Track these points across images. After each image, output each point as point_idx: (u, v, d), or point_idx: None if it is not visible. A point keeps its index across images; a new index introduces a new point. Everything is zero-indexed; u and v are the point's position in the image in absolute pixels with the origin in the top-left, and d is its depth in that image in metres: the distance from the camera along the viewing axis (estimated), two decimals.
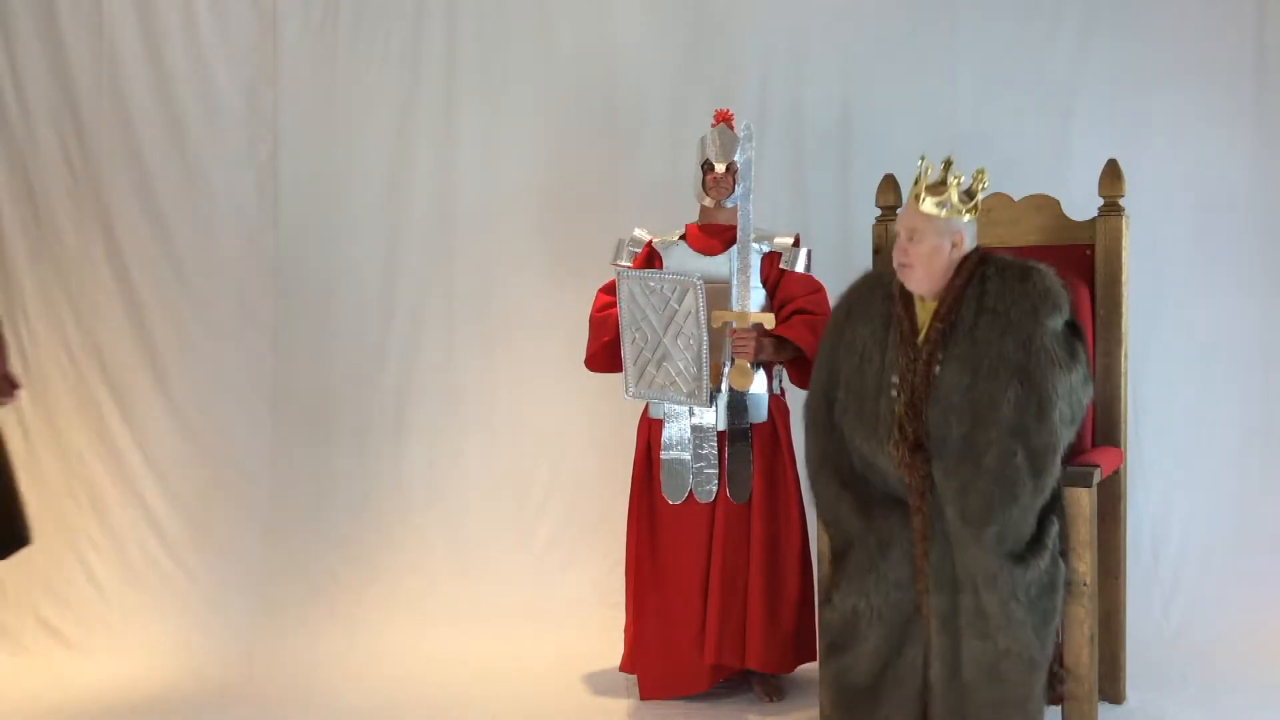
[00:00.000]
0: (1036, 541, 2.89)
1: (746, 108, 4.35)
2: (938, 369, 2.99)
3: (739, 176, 3.71)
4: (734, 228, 3.72)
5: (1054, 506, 2.95)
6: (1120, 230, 3.50)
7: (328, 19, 4.64)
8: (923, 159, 3.08)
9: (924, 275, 3.04)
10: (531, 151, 4.59)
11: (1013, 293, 2.98)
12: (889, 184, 3.77)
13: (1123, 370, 3.51)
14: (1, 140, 4.61)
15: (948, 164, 3.07)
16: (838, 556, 3.15)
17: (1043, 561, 2.88)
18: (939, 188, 3.05)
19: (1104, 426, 3.49)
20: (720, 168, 3.75)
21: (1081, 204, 3.60)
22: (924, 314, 3.08)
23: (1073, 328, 3.02)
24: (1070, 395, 2.92)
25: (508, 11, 4.61)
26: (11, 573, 4.40)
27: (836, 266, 4.32)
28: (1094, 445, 3.46)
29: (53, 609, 4.39)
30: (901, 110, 4.42)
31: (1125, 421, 3.54)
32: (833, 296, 3.68)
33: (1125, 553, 3.56)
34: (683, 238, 3.86)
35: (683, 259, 3.81)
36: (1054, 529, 2.93)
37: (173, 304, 4.61)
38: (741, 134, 3.71)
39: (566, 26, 4.59)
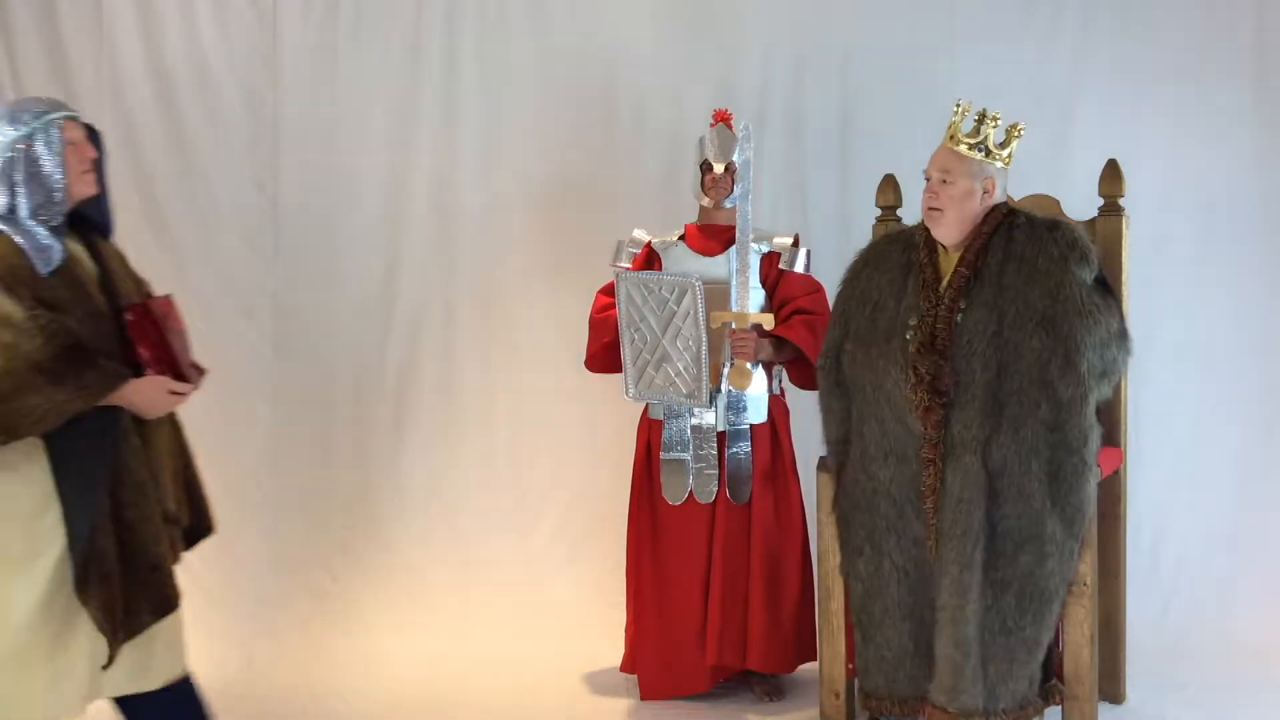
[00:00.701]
0: (1065, 519, 2.85)
1: (746, 108, 4.35)
2: (960, 316, 2.93)
3: (737, 176, 3.71)
4: (733, 228, 3.72)
5: (1094, 485, 2.88)
6: (1120, 230, 3.50)
7: (328, 19, 4.63)
8: (959, 103, 3.04)
9: (955, 219, 2.98)
10: (531, 152, 4.59)
11: (1041, 241, 2.93)
12: (889, 184, 3.77)
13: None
14: None
15: (983, 112, 3.02)
16: (852, 511, 3.09)
17: (1058, 547, 2.85)
18: (975, 131, 3.00)
19: (1104, 426, 3.48)
20: (719, 168, 3.75)
21: (1081, 204, 3.60)
22: (947, 264, 3.03)
23: (1103, 284, 2.97)
24: (1102, 348, 2.86)
25: (507, 12, 4.61)
26: None
27: (836, 266, 4.31)
28: None
29: None
30: (901, 110, 4.42)
31: (1125, 421, 3.54)
32: (832, 297, 3.69)
33: (1125, 553, 3.56)
34: (682, 238, 3.86)
35: (682, 259, 3.81)
36: (1091, 512, 2.90)
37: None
38: (740, 134, 3.71)
39: (566, 27, 4.59)
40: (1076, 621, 3.00)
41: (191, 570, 4.47)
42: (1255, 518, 4.23)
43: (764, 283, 3.75)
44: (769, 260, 3.77)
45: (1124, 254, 3.51)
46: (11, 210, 2.53)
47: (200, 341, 4.61)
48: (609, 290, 3.80)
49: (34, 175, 2.53)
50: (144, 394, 2.59)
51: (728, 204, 3.76)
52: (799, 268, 3.76)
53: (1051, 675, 3.01)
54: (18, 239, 2.51)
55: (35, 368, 2.42)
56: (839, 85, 4.49)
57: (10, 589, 2.50)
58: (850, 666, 3.29)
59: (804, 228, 4.28)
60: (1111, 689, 3.52)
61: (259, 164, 4.62)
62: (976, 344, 2.88)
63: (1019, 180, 3.78)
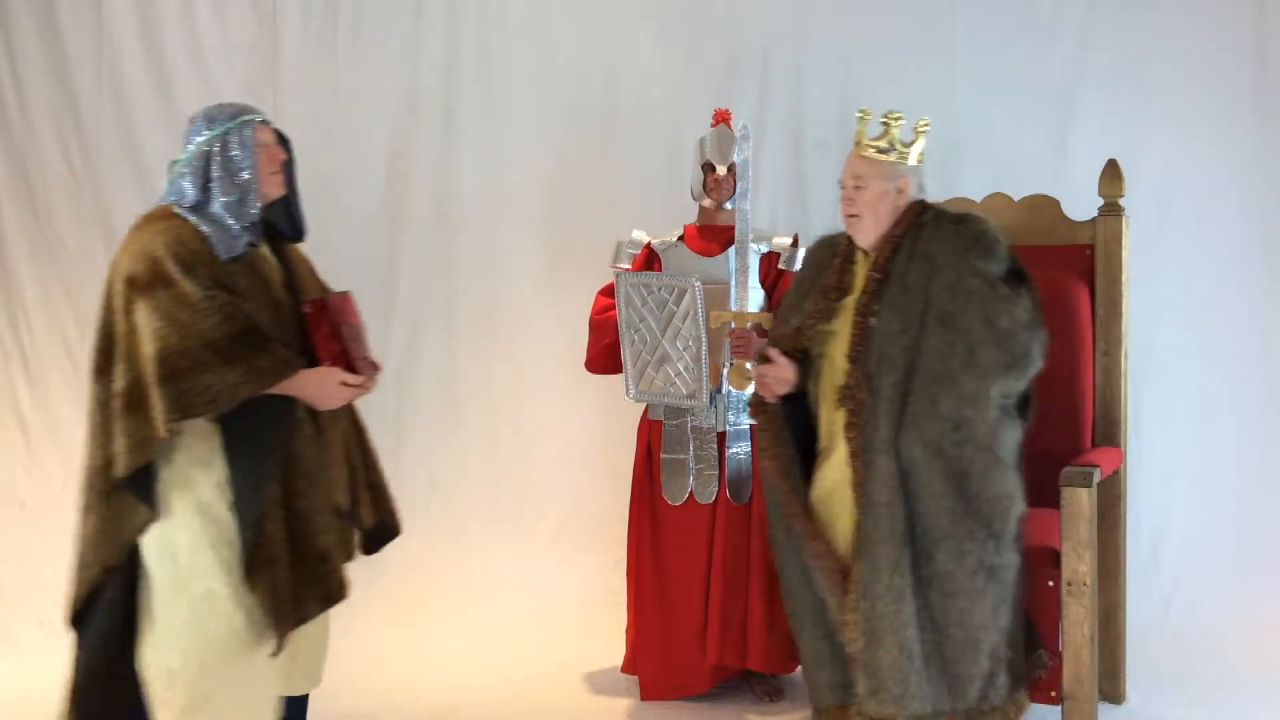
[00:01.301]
0: (980, 515, 2.77)
1: (746, 108, 4.36)
2: (873, 321, 2.90)
3: (737, 176, 3.71)
4: (733, 228, 3.72)
5: (1010, 480, 2.81)
6: (1120, 230, 3.50)
7: (328, 19, 4.64)
8: (861, 111, 3.02)
9: (872, 223, 2.97)
10: (531, 152, 4.59)
11: (944, 236, 2.89)
12: None
13: (1123, 370, 3.51)
14: (1, 140, 4.62)
15: (887, 114, 3.00)
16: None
17: (987, 542, 2.78)
18: (881, 134, 2.99)
19: (1104, 426, 3.49)
20: (722, 169, 3.75)
21: (1081, 204, 3.60)
22: (866, 268, 3.01)
23: (1017, 275, 2.90)
24: (1007, 339, 2.79)
25: (508, 12, 4.61)
26: (11, 573, 4.41)
27: None
28: (1094, 445, 3.47)
29: (53, 609, 4.38)
30: (902, 110, 4.41)
31: (1125, 421, 3.54)
32: None
33: (1125, 553, 3.56)
34: (681, 239, 3.86)
35: (682, 260, 3.81)
36: (1013, 509, 2.81)
37: None
38: (739, 134, 3.71)
39: (566, 27, 4.59)
40: (1076, 621, 3.00)
41: None
42: (1255, 518, 4.23)
43: (763, 283, 3.75)
44: (768, 260, 3.77)
45: (1124, 254, 3.51)
46: (203, 205, 2.59)
47: None
48: (609, 291, 3.80)
49: (228, 173, 2.61)
50: (315, 384, 2.62)
51: (729, 204, 3.76)
52: (798, 267, 3.76)
53: (1022, 682, 2.93)
54: (203, 227, 2.57)
55: (209, 347, 2.45)
56: (839, 85, 4.49)
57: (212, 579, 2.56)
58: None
59: (804, 228, 4.27)
60: (1111, 689, 3.52)
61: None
62: (886, 346, 2.85)
63: (1019, 180, 3.79)
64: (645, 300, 3.58)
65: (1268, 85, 4.22)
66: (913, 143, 3.02)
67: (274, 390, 2.53)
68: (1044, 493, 3.29)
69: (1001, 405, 2.82)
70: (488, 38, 4.62)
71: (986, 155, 4.32)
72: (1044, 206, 3.60)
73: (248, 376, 2.48)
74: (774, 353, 3.03)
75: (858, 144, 3.01)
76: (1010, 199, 3.64)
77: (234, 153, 2.61)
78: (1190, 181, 4.25)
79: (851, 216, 2.99)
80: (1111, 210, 3.52)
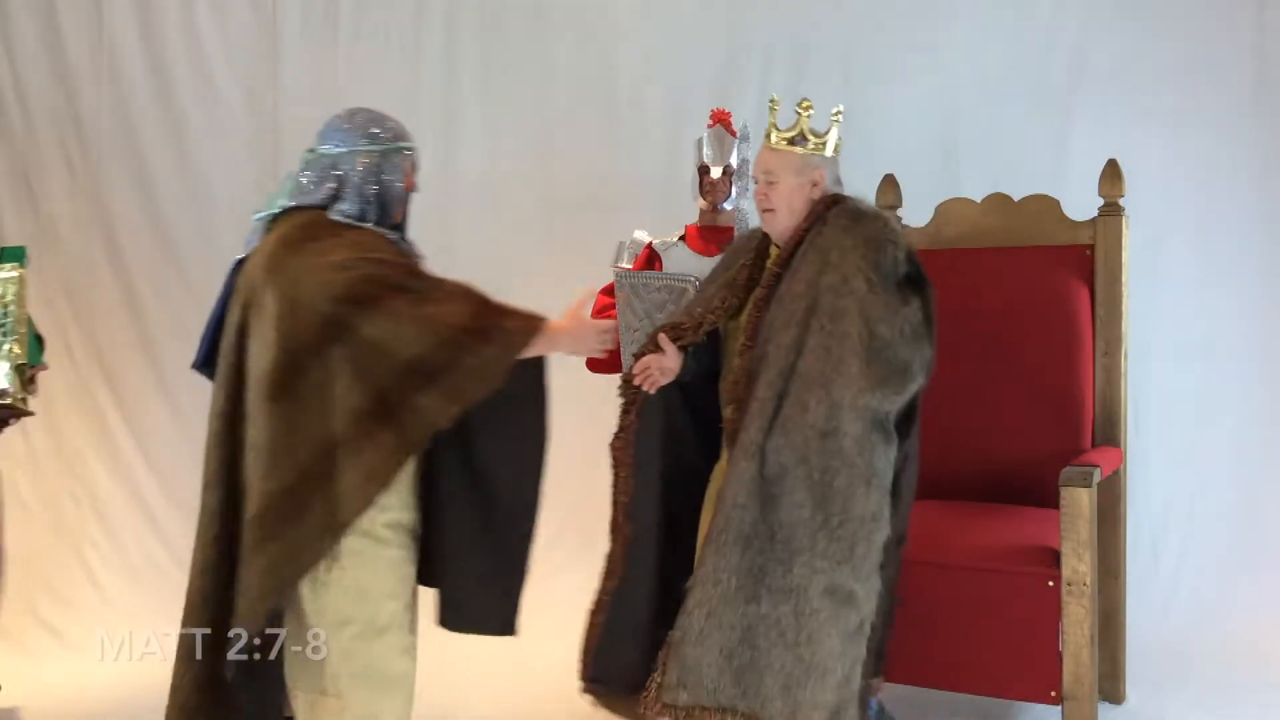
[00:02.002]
0: (837, 536, 2.57)
1: (746, 108, 4.35)
2: (767, 317, 2.78)
3: (736, 177, 3.71)
4: (733, 229, 3.72)
5: (875, 501, 2.60)
6: (1120, 230, 3.50)
7: (328, 19, 4.64)
8: (772, 100, 2.93)
9: (786, 217, 2.84)
10: (531, 152, 4.59)
11: (839, 232, 2.74)
12: (889, 184, 3.77)
13: (1123, 370, 3.51)
14: (1, 140, 4.62)
15: (798, 105, 2.88)
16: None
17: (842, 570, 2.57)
18: (791, 125, 2.86)
19: (1104, 426, 3.49)
20: (716, 172, 3.73)
21: (1081, 204, 3.60)
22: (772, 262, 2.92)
23: (913, 282, 2.74)
24: (885, 350, 2.62)
25: (507, 12, 4.61)
26: (12, 573, 4.41)
27: None
28: (1094, 445, 3.47)
29: (53, 609, 4.39)
30: (901, 110, 4.42)
31: (1125, 421, 3.54)
32: None
33: (1125, 553, 3.56)
34: (682, 239, 3.86)
35: (682, 260, 3.80)
36: (875, 533, 2.60)
37: (173, 303, 4.61)
38: (738, 134, 3.70)
39: (566, 28, 4.59)
40: (1076, 621, 3.00)
41: (189, 567, 4.49)
42: (1255, 518, 4.23)
43: None
44: None
45: (1124, 254, 3.51)
46: (361, 218, 2.59)
47: (199, 341, 4.63)
48: (609, 290, 3.80)
49: (384, 191, 2.63)
50: (571, 333, 2.61)
51: (726, 206, 3.75)
52: None
53: None
54: (389, 235, 2.59)
55: (464, 330, 2.44)
56: (839, 85, 4.48)
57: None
58: None
59: None
60: (1111, 689, 3.52)
61: (259, 164, 4.62)
62: (769, 344, 2.71)
63: (1019, 180, 3.79)
64: (644, 300, 3.57)
65: (1268, 85, 4.22)
66: (827, 133, 2.90)
67: (529, 351, 2.51)
68: (1044, 493, 3.30)
69: (875, 420, 2.61)
70: (487, 38, 4.62)
71: (986, 155, 4.31)
72: (1044, 206, 3.60)
73: (505, 346, 2.47)
74: (664, 339, 2.90)
75: (768, 136, 2.89)
76: (1010, 199, 3.64)
77: (388, 174, 2.63)
78: (1190, 181, 4.25)
79: (766, 211, 2.88)
80: (1111, 210, 3.52)
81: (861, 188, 4.21)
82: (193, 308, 4.60)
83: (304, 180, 2.61)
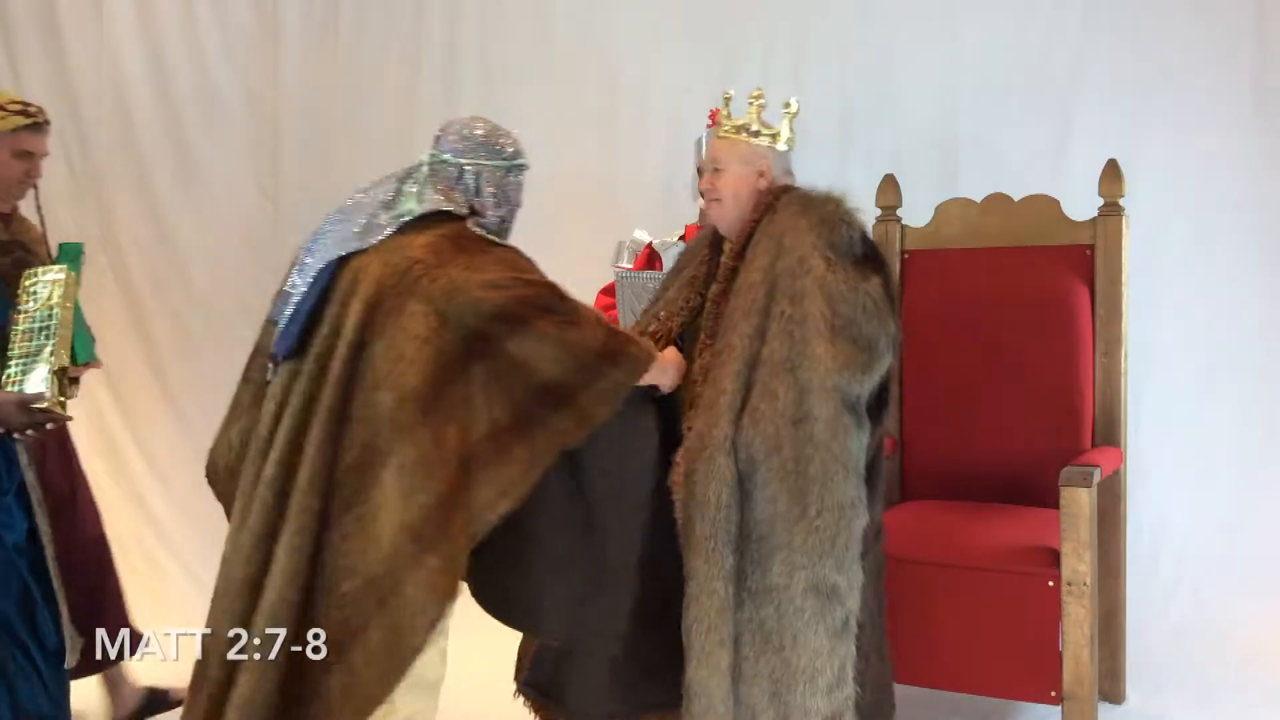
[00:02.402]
0: (816, 528, 2.47)
1: (746, 107, 4.35)
2: (725, 310, 2.71)
3: None
4: None
5: (853, 488, 2.50)
6: (1120, 230, 3.50)
7: (328, 19, 4.64)
8: (726, 93, 2.92)
9: (733, 207, 2.80)
10: (531, 152, 4.57)
11: (792, 215, 2.69)
12: (889, 184, 3.77)
13: (1123, 370, 3.51)
14: None
15: (751, 95, 2.87)
16: None
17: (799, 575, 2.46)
18: (741, 115, 2.86)
19: (1104, 426, 3.49)
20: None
21: (1081, 204, 3.60)
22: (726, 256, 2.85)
23: (870, 262, 2.65)
24: (850, 328, 2.53)
25: (508, 12, 4.61)
26: None
27: None
28: (1094, 445, 3.47)
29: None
30: (901, 110, 4.42)
31: (1125, 421, 3.54)
32: None
33: (1125, 553, 3.56)
34: (682, 238, 3.86)
35: None
36: (855, 521, 2.50)
37: (173, 303, 4.61)
38: None
39: (567, 27, 4.59)
40: (1076, 621, 3.00)
41: (189, 568, 4.50)
42: (1255, 518, 4.22)
43: None
44: None
45: (1124, 254, 3.51)
46: (498, 234, 2.65)
47: (199, 342, 4.64)
48: (610, 290, 3.80)
49: (512, 209, 2.71)
50: (669, 368, 2.66)
51: None
52: None
53: None
54: (524, 255, 2.59)
55: (598, 355, 2.46)
56: (839, 85, 4.49)
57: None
58: None
59: None
60: (1111, 689, 3.52)
61: (259, 164, 4.63)
62: (730, 335, 2.63)
63: (1019, 180, 3.79)
64: (643, 300, 3.57)
65: (1268, 85, 4.21)
66: (779, 126, 2.87)
67: (643, 377, 2.54)
68: (1044, 493, 3.30)
69: (846, 402, 2.52)
70: (487, 37, 4.62)
71: (986, 155, 4.31)
72: (1044, 206, 3.60)
73: (629, 370, 2.50)
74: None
75: (718, 125, 2.88)
76: (1010, 199, 3.64)
77: (513, 192, 2.69)
78: (1190, 181, 4.25)
79: (713, 201, 2.83)
80: (1111, 210, 3.52)
81: (861, 188, 4.23)
82: (192, 306, 4.61)
83: (435, 188, 2.60)
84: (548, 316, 2.45)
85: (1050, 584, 3.03)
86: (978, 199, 3.69)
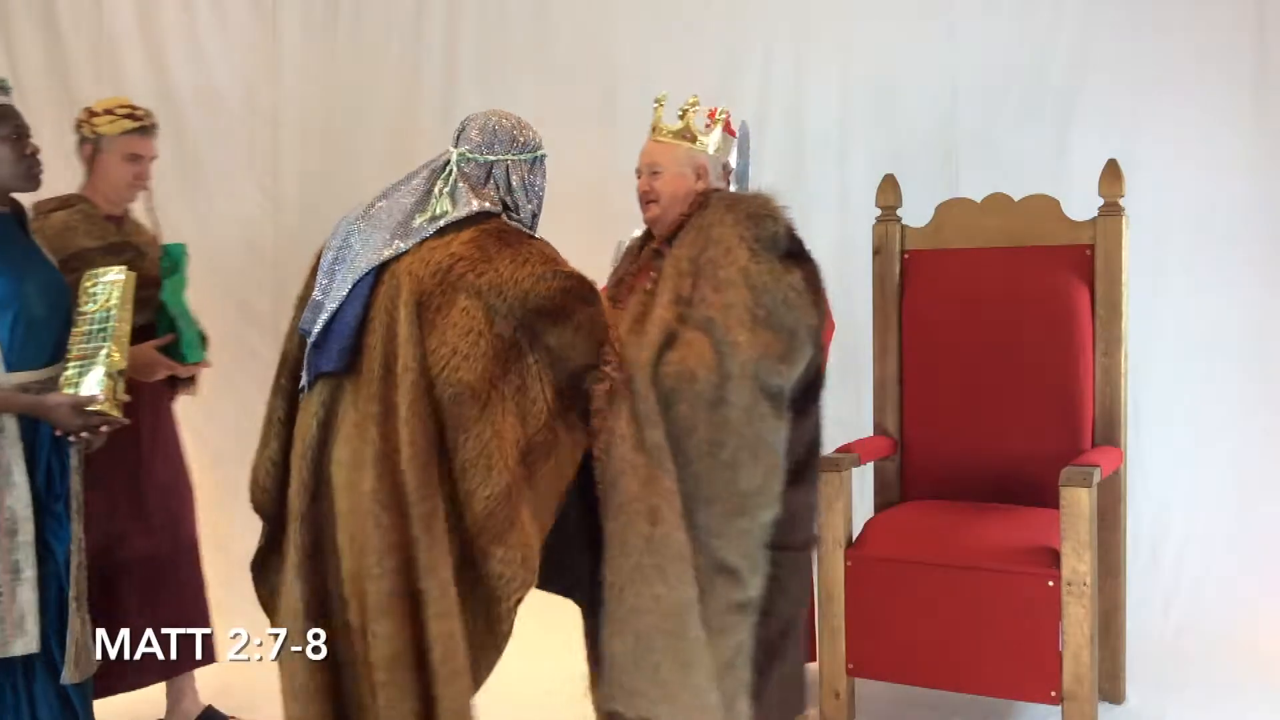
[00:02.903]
0: (725, 511, 2.49)
1: (746, 108, 4.35)
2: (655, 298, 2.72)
3: (734, 177, 3.69)
4: None
5: (763, 477, 2.50)
6: (1120, 230, 3.50)
7: (328, 18, 4.64)
8: (657, 98, 2.94)
9: (669, 207, 2.82)
10: None
11: (720, 210, 2.72)
12: (889, 184, 3.77)
13: (1123, 370, 3.51)
14: None
15: (694, 100, 2.92)
16: None
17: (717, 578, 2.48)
18: (676, 120, 2.90)
19: (1104, 426, 3.49)
20: None
21: (1081, 204, 3.60)
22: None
23: (795, 257, 2.67)
24: (771, 318, 2.55)
25: (507, 12, 4.61)
26: None
27: (836, 266, 4.32)
28: (1094, 445, 3.47)
29: None
30: (901, 110, 4.42)
31: (1125, 421, 3.54)
32: (832, 297, 3.69)
33: (1125, 553, 3.56)
34: None
35: None
36: (763, 510, 2.50)
37: None
38: (738, 133, 3.69)
39: (566, 27, 4.59)
40: (1076, 621, 3.00)
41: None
42: (1255, 518, 4.23)
43: None
44: None
45: (1124, 254, 3.51)
46: (531, 227, 2.69)
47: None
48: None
49: (540, 202, 2.73)
50: None
51: None
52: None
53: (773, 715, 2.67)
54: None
55: (619, 340, 2.61)
56: (839, 85, 4.49)
57: None
58: (850, 666, 3.29)
59: (804, 228, 4.26)
60: (1111, 689, 3.52)
61: (259, 164, 4.63)
62: (654, 318, 2.64)
63: (1019, 180, 3.79)
64: None
65: (1268, 85, 4.21)
66: (709, 130, 2.92)
67: None
68: (1044, 493, 3.30)
69: (766, 390, 2.52)
70: (487, 37, 4.62)
71: (986, 155, 4.32)
72: (1044, 206, 3.60)
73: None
74: None
75: (654, 129, 2.91)
76: (1010, 199, 3.64)
77: (539, 185, 2.71)
78: (1190, 181, 4.25)
79: (650, 204, 2.86)
80: (1111, 210, 3.52)
81: (862, 188, 4.24)
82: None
83: (467, 188, 2.60)
84: (585, 307, 2.54)
85: (1050, 584, 3.04)
86: (978, 199, 3.69)
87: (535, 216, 2.72)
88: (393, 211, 2.59)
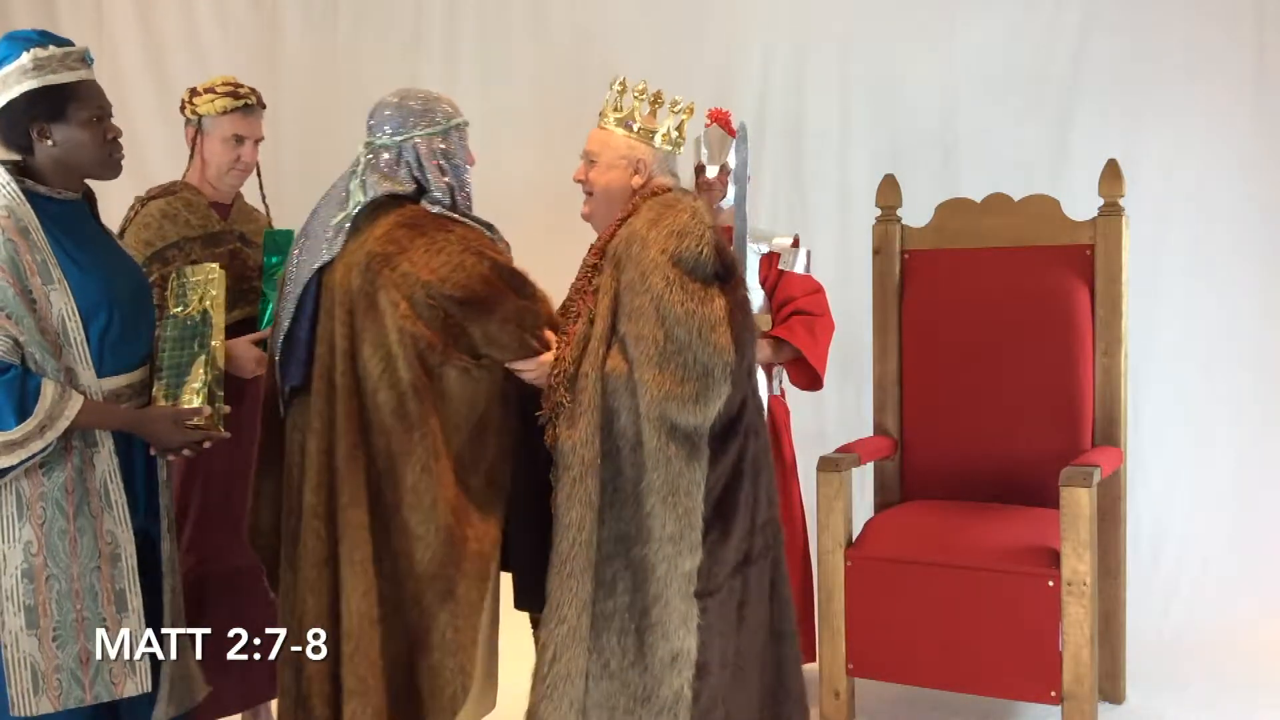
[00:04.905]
0: (631, 562, 2.38)
1: (746, 108, 4.36)
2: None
3: (733, 177, 3.69)
4: (732, 228, 3.71)
5: (671, 522, 2.37)
6: (1120, 230, 3.50)
7: (328, 19, 4.64)
8: (612, 83, 2.68)
9: (603, 204, 2.63)
10: (530, 152, 4.59)
11: (646, 224, 2.47)
12: (889, 184, 3.77)
13: (1123, 370, 3.51)
14: None
15: (637, 90, 2.68)
16: None
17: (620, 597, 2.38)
18: (618, 107, 2.66)
19: (1104, 426, 3.49)
20: (712, 171, 3.71)
21: (1081, 204, 3.60)
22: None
23: (720, 280, 2.44)
24: (683, 353, 2.35)
25: (507, 11, 4.61)
26: None
27: (836, 266, 4.33)
28: (1094, 445, 3.47)
29: None
30: (901, 110, 4.42)
31: (1125, 421, 3.54)
32: (832, 297, 3.69)
33: (1125, 553, 3.56)
34: None
35: None
36: (675, 562, 2.37)
37: None
38: (737, 133, 3.70)
39: (566, 25, 4.59)
40: (1076, 621, 3.00)
41: None
42: (1255, 518, 4.23)
43: (763, 284, 3.75)
44: (768, 261, 3.76)
45: (1124, 254, 3.51)
46: (452, 207, 2.53)
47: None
48: None
49: (459, 174, 2.57)
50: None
51: (724, 206, 3.74)
52: (799, 268, 3.75)
53: None
54: (486, 231, 2.56)
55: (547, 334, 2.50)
56: (839, 85, 4.49)
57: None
58: (850, 666, 3.29)
59: (804, 228, 4.28)
60: (1111, 689, 3.51)
61: (259, 163, 4.62)
62: (589, 347, 2.47)
63: (1019, 180, 3.79)
64: None
65: (1268, 85, 4.22)
66: (654, 120, 2.69)
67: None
68: (1044, 493, 3.30)
69: (676, 432, 2.36)
70: (487, 37, 4.62)
71: (986, 155, 4.32)
72: (1044, 206, 3.60)
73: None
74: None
75: (601, 115, 2.69)
76: (1010, 199, 3.64)
77: (456, 157, 2.57)
78: (1190, 181, 4.26)
79: (586, 195, 2.69)
80: (1111, 210, 3.52)
81: (862, 188, 4.25)
82: None
83: (376, 175, 2.50)
84: (511, 298, 2.44)
85: (1050, 584, 3.04)
86: (978, 199, 3.69)
87: (457, 190, 2.55)
88: (325, 220, 2.54)
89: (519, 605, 2.59)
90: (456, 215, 2.52)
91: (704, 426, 2.37)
